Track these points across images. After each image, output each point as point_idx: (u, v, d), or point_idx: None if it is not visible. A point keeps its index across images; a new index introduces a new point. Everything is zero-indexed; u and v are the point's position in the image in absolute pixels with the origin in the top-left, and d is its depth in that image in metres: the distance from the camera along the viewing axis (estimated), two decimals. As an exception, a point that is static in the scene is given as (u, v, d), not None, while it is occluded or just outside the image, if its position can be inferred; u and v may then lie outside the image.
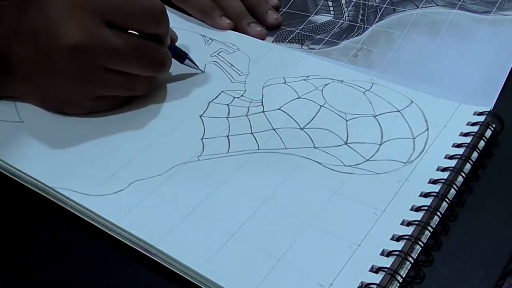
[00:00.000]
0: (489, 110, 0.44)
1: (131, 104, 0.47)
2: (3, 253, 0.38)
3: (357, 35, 0.56)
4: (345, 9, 0.59)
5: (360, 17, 0.57)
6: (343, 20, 0.57)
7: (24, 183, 0.42)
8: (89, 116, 0.46)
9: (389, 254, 0.35)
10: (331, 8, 0.60)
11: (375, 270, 0.35)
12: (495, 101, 0.46)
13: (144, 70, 0.45)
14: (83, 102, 0.45)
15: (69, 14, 0.41)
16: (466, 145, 0.42)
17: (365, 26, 0.57)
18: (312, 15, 0.59)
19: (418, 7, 0.58)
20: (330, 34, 0.56)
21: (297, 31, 0.57)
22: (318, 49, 0.55)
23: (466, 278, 0.35)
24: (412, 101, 0.47)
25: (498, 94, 0.47)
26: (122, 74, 0.44)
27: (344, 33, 0.56)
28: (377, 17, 0.57)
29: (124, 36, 0.43)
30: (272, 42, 0.56)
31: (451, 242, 0.37)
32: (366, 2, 0.59)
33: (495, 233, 0.38)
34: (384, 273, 0.34)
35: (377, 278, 0.34)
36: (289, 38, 0.56)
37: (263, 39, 0.56)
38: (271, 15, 0.58)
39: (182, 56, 0.49)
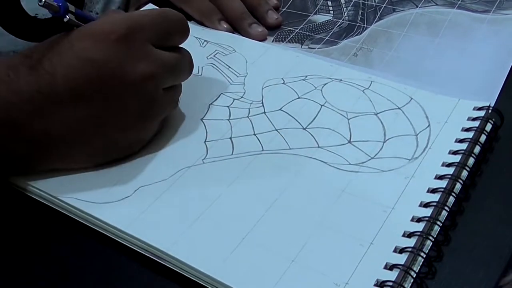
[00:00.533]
0: (488, 104, 0.45)
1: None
2: (8, 263, 0.38)
3: (356, 35, 0.56)
4: (344, 8, 0.59)
5: (360, 16, 0.58)
6: (343, 20, 0.58)
7: (28, 193, 0.41)
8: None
9: (402, 251, 0.36)
10: (331, 8, 0.60)
11: (390, 267, 0.35)
12: (495, 100, 0.47)
13: (185, 77, 0.45)
14: (148, 134, 0.43)
15: (116, 50, 0.38)
16: (469, 140, 0.42)
17: (365, 25, 0.57)
18: (312, 14, 0.59)
19: (417, 6, 0.59)
20: (330, 34, 0.56)
21: (296, 30, 0.57)
22: (318, 48, 0.55)
23: (466, 277, 0.35)
24: (411, 98, 0.47)
25: (498, 92, 0.47)
26: (171, 89, 0.43)
27: (344, 33, 0.56)
28: (377, 17, 0.57)
29: (171, 53, 0.42)
30: (272, 42, 0.56)
31: (453, 240, 0.37)
32: (366, 2, 0.59)
33: (495, 232, 0.38)
34: (398, 270, 0.34)
35: (392, 275, 0.34)
36: (289, 38, 0.56)
37: (264, 39, 0.56)
38: (271, 15, 0.58)
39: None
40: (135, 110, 0.40)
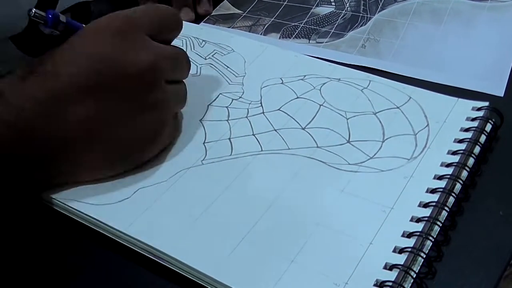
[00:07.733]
0: (487, 104, 0.45)
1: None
2: (8, 264, 0.38)
3: (361, 25, 0.57)
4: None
5: (362, 7, 0.59)
6: (345, 11, 0.58)
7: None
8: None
9: (401, 251, 0.36)
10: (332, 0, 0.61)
11: (389, 267, 0.35)
12: (505, 84, 0.48)
13: (185, 74, 0.44)
14: (160, 129, 0.42)
15: (114, 42, 0.39)
16: (468, 140, 0.42)
17: (368, 15, 0.58)
18: (314, 7, 0.60)
19: None
20: (335, 26, 0.57)
21: (301, 25, 0.57)
22: (326, 42, 0.55)
23: (466, 277, 0.35)
24: (410, 97, 0.47)
25: (508, 76, 0.49)
26: (174, 84, 0.43)
27: (349, 24, 0.57)
28: (379, 7, 0.58)
29: (169, 46, 0.43)
30: (279, 38, 0.56)
31: (453, 240, 0.37)
32: None
33: (495, 232, 0.38)
34: (398, 270, 0.34)
35: (392, 275, 0.34)
36: (295, 33, 0.56)
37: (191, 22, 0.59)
38: (202, 4, 0.61)
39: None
40: (141, 101, 0.39)
